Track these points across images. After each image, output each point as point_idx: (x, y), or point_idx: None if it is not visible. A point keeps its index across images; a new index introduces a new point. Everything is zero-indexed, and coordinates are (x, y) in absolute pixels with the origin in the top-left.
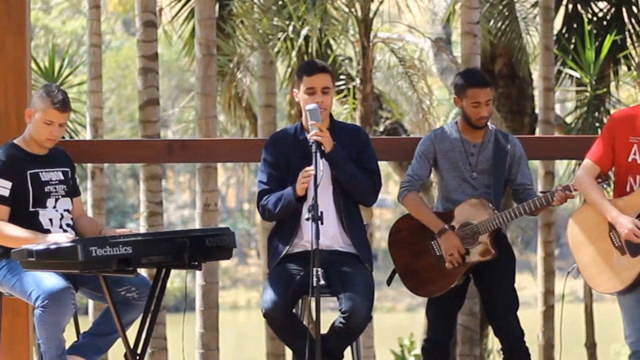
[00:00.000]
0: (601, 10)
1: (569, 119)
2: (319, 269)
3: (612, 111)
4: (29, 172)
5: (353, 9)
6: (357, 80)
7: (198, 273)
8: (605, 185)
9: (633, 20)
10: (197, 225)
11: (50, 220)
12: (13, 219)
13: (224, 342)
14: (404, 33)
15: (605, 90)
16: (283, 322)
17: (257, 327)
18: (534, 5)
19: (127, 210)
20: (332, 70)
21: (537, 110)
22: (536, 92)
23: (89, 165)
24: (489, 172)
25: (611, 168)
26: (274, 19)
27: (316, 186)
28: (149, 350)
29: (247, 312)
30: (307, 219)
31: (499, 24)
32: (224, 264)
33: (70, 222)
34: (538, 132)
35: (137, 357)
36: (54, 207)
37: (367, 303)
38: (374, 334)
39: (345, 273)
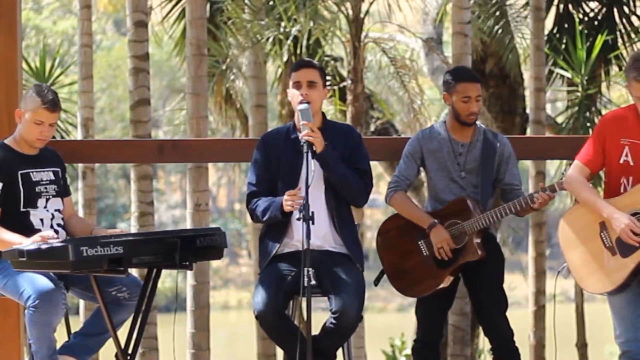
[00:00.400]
0: (592, 10)
1: (560, 119)
2: (310, 269)
3: (604, 111)
4: (20, 172)
5: (344, 9)
6: (348, 80)
7: (189, 273)
8: (591, 184)
9: (624, 20)
10: (188, 225)
11: (41, 220)
12: (4, 220)
13: (215, 342)
14: (395, 33)
15: (596, 90)
16: (275, 324)
17: (248, 327)
18: (525, 5)
19: (118, 211)
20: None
21: (528, 110)
22: (527, 92)
23: (80, 165)
24: (477, 172)
25: (601, 169)
26: (265, 19)
27: (307, 186)
28: (140, 350)
29: (238, 312)
30: (298, 219)
31: (490, 24)
32: (215, 264)
33: (61, 222)
34: (529, 132)
35: (128, 357)
36: (45, 207)
37: (358, 303)
38: (365, 334)
39: (336, 273)
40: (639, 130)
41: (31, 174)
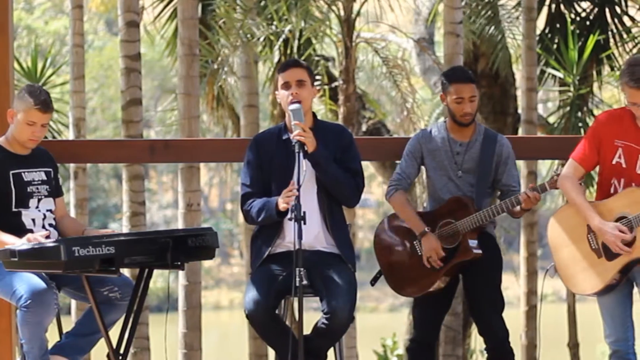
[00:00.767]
0: (584, 10)
1: (551, 119)
2: (302, 269)
3: (595, 111)
4: (11, 172)
5: (335, 9)
6: (340, 80)
7: (181, 273)
8: (582, 183)
9: (616, 21)
10: (179, 225)
11: (33, 220)
12: None
13: (207, 342)
14: (387, 33)
15: (588, 90)
16: (266, 323)
17: (239, 327)
18: (517, 5)
19: (110, 210)
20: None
21: (519, 110)
22: (519, 92)
23: (72, 165)
24: (474, 171)
25: (594, 168)
26: (256, 19)
27: (299, 186)
28: (131, 350)
29: (229, 312)
30: (290, 219)
31: (482, 24)
32: (206, 264)
33: (53, 222)
34: (521, 132)
35: (120, 357)
36: (37, 207)
37: (350, 303)
38: (356, 334)
39: (327, 274)
40: (633, 132)
41: (23, 174)
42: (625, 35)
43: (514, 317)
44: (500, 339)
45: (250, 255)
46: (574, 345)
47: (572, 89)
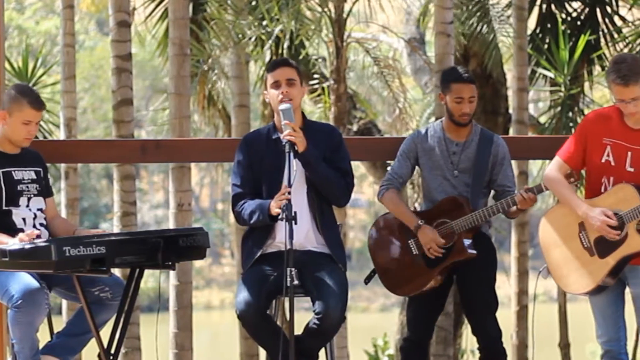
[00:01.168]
0: (575, 10)
1: (542, 119)
2: (293, 269)
3: (586, 111)
4: (1, 170)
5: (326, 9)
6: (331, 80)
7: (172, 273)
8: (579, 185)
9: (607, 20)
10: (170, 225)
11: (24, 219)
12: None
13: (198, 342)
14: (378, 33)
15: (579, 90)
16: (257, 323)
17: (230, 327)
18: (508, 5)
19: (101, 210)
20: (306, 70)
21: (510, 110)
22: (510, 92)
23: (63, 165)
24: (470, 171)
25: (582, 168)
26: (247, 19)
27: (290, 186)
28: (122, 350)
29: (220, 312)
30: (281, 219)
31: (473, 24)
32: (197, 264)
33: (44, 222)
34: (512, 132)
35: (111, 357)
36: (27, 206)
37: (341, 303)
38: (347, 334)
39: (318, 273)
40: (621, 130)
41: (13, 172)
42: (616, 35)
43: (505, 317)
44: (493, 339)
45: (241, 255)
46: (565, 345)
47: (563, 89)
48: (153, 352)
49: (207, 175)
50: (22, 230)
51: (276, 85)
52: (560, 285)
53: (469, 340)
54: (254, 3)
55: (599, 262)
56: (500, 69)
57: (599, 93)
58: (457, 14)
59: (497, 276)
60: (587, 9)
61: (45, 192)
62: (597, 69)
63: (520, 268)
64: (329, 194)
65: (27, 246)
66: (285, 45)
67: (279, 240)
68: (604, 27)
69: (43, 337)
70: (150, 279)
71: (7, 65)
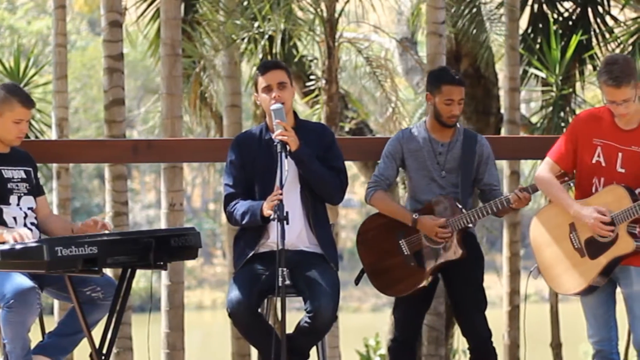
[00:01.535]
0: (567, 10)
1: (534, 119)
2: (285, 269)
3: (578, 111)
4: None
5: (318, 9)
6: (323, 81)
7: (163, 273)
8: (572, 184)
9: (598, 20)
10: (162, 225)
11: (15, 218)
12: None
13: (190, 342)
14: (370, 33)
15: (570, 90)
16: (248, 322)
17: (222, 327)
18: (500, 5)
19: (93, 210)
20: (301, 71)
21: (502, 110)
22: (502, 92)
23: (55, 165)
24: (457, 172)
25: (573, 168)
26: (240, 18)
27: (282, 186)
28: (114, 350)
29: (212, 312)
30: (273, 219)
31: (465, 24)
32: (189, 264)
33: (35, 221)
34: (503, 132)
35: (103, 357)
36: (18, 204)
37: (333, 303)
38: (339, 334)
39: (310, 273)
40: (612, 131)
41: (2, 171)
42: (607, 35)
43: (496, 317)
44: (483, 339)
45: (233, 255)
46: (556, 345)
47: (554, 89)
48: (145, 352)
49: (199, 175)
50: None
51: (268, 89)
52: (551, 286)
53: (460, 340)
54: (245, 3)
55: (589, 263)
56: (492, 69)
57: (591, 93)
58: (448, 13)
59: (488, 276)
60: (578, 9)
61: (36, 191)
62: (588, 69)
63: (512, 268)
64: (323, 192)
65: (19, 246)
66: (279, 46)
67: (272, 240)
68: (595, 27)
69: (35, 337)
70: (142, 279)
71: None
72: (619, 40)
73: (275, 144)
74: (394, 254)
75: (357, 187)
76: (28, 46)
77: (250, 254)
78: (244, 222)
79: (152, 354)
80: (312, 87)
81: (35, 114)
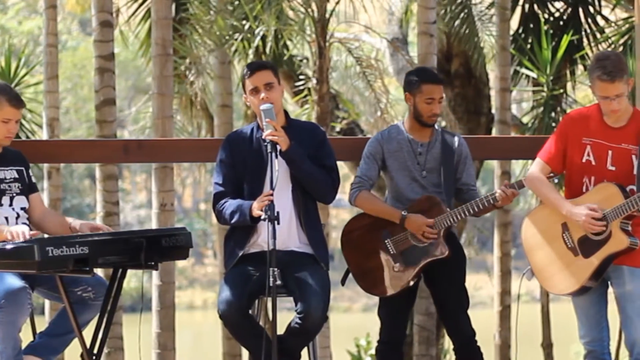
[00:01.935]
0: (558, 10)
1: (525, 119)
2: (275, 269)
3: (569, 111)
4: None
5: (309, 9)
6: (314, 80)
7: (154, 273)
8: (556, 180)
9: (589, 20)
10: (153, 225)
11: (6, 218)
12: None
13: (181, 342)
14: (360, 33)
15: (561, 90)
16: (239, 323)
17: (213, 327)
18: (491, 5)
19: (84, 210)
20: (291, 71)
21: (493, 111)
22: (492, 92)
23: (46, 165)
24: (438, 171)
25: (563, 168)
26: (230, 18)
27: (272, 188)
28: (105, 350)
29: (203, 312)
30: (264, 219)
31: (456, 24)
32: (180, 264)
33: (27, 222)
34: (494, 132)
35: (94, 357)
36: (10, 205)
37: (323, 303)
38: (330, 334)
39: (301, 274)
40: (601, 129)
41: None
42: (598, 35)
43: (487, 317)
44: (468, 338)
45: (223, 255)
46: (547, 346)
47: (545, 89)
48: (136, 352)
49: (189, 175)
50: None
51: (255, 91)
52: (544, 287)
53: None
54: (236, 3)
55: (583, 261)
56: (482, 69)
57: (582, 93)
58: (439, 13)
59: (479, 276)
60: (569, 9)
61: (29, 190)
62: (579, 69)
63: (503, 268)
64: (315, 191)
65: (9, 246)
66: (269, 45)
67: (262, 239)
68: (586, 27)
69: (25, 337)
70: (133, 279)
71: None
72: (610, 41)
73: (265, 144)
74: (379, 254)
75: (348, 187)
76: (19, 46)
77: (240, 254)
78: (232, 221)
79: (143, 354)
80: (302, 87)
81: (26, 114)
